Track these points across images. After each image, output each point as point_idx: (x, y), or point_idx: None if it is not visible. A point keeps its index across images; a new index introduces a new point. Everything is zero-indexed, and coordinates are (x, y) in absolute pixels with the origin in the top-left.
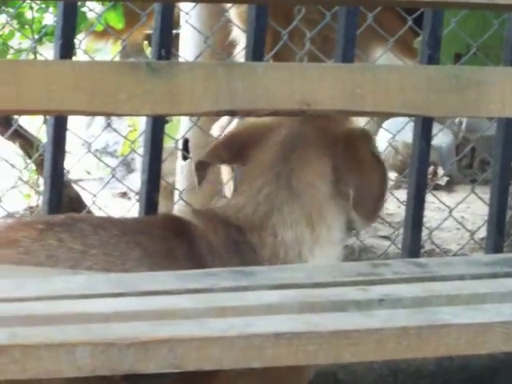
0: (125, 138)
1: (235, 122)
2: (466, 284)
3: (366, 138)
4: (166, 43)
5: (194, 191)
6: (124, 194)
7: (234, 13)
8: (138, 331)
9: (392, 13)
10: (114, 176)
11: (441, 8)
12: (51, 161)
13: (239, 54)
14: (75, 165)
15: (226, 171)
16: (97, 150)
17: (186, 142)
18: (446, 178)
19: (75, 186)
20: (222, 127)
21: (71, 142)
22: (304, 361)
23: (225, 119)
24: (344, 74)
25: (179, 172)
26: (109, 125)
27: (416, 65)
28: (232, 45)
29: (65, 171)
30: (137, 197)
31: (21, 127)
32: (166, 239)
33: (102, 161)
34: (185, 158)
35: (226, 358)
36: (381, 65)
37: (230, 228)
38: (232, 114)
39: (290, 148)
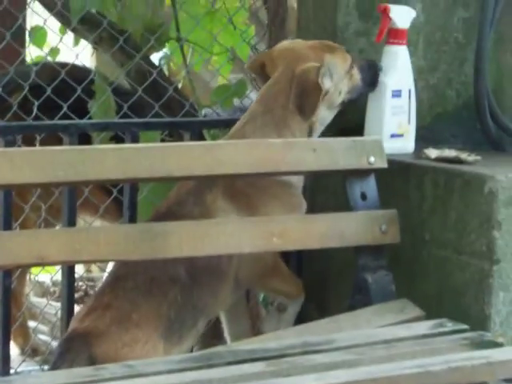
0: None
1: None
2: (163, 377)
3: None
4: None
5: None
6: None
7: None
8: None
9: (101, 187)
10: None
11: (135, 181)
12: None
13: None
14: None
15: None
16: None
17: None
18: None
19: None
20: None
21: None
22: None
23: None
24: (67, 235)
25: None
26: None
27: (117, 225)
28: None
29: None
30: None
31: None
32: None
33: None
34: None
35: None
36: (94, 226)
37: None
38: None
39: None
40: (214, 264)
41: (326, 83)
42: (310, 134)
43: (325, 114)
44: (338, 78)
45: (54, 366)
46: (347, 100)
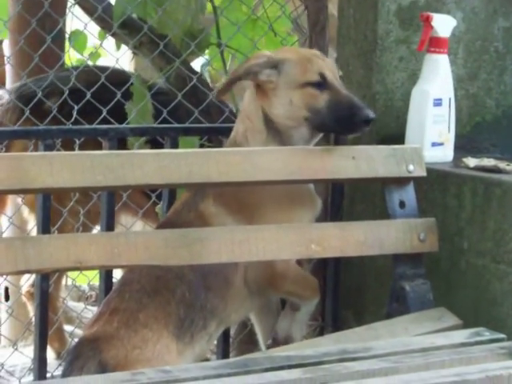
0: None
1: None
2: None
3: None
4: None
5: None
6: None
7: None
8: None
9: (140, 192)
10: None
11: (174, 187)
12: None
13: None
14: None
15: None
16: None
17: (6, 289)
18: None
19: None
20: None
21: None
22: None
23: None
24: (105, 239)
25: (3, 310)
26: None
27: (156, 230)
28: None
29: None
30: None
31: None
32: None
33: None
34: (6, 299)
35: None
36: (131, 231)
37: None
38: (28, 272)
39: None
40: (219, 269)
41: (271, 76)
42: (280, 137)
43: (280, 112)
44: (288, 82)
45: (64, 374)
46: (313, 122)
